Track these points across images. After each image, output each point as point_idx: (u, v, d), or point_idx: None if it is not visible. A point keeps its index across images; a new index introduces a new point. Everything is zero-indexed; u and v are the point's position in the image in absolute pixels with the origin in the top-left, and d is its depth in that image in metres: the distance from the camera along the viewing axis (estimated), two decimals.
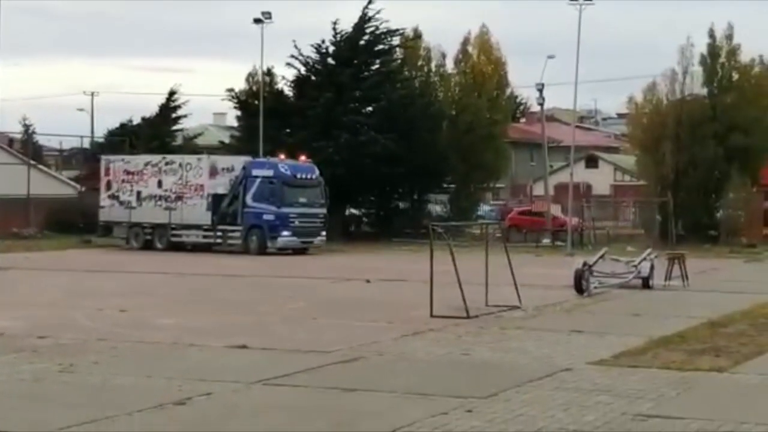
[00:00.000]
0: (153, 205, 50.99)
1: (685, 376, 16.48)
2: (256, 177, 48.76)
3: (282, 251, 47.78)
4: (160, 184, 51.00)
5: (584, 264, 30.14)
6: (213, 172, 49.82)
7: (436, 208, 67.93)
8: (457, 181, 65.92)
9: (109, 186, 53.25)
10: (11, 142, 76.55)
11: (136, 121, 72.08)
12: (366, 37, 63.85)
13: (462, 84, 66.25)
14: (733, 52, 60.01)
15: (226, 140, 68.54)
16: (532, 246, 53.96)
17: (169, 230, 50.36)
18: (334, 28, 63.33)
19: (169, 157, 52.86)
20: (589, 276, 29.77)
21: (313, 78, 63.76)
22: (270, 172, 48.65)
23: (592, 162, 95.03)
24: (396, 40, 65.29)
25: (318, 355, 18.33)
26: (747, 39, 73.48)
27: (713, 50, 59.71)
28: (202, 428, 13.02)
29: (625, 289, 30.32)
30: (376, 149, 57.59)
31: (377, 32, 63.85)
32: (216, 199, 49.23)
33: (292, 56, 63.65)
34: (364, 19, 63.39)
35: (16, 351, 18.88)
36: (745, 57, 60.36)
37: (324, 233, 49.72)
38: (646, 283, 31.12)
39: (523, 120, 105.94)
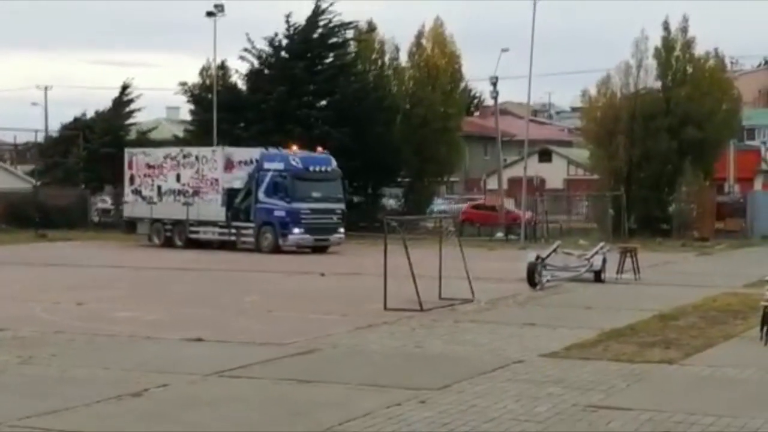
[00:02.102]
0: (172, 200, 48.74)
1: (636, 368, 16.72)
2: (268, 170, 45.85)
3: (300, 249, 45.19)
4: (178, 178, 48.80)
5: (537, 257, 30.33)
6: (228, 166, 47.42)
7: (390, 202, 68.10)
8: (411, 175, 66.09)
9: (132, 180, 51.24)
10: None
11: (90, 114, 71.99)
12: (319, 30, 63.97)
13: (416, 77, 66.28)
14: (687, 45, 60.11)
15: (180, 134, 68.47)
16: (486, 240, 54.22)
17: (187, 227, 48.01)
18: (288, 21, 63.57)
19: (187, 150, 50.59)
20: (542, 269, 29.97)
21: (266, 71, 63.87)
22: (281, 165, 45.57)
23: (545, 156, 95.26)
24: (350, 33, 65.48)
25: (273, 347, 18.51)
26: (702, 32, 73.80)
27: (668, 43, 59.79)
28: (159, 419, 13.15)
29: (577, 283, 30.52)
30: (330, 143, 57.64)
31: (330, 25, 63.99)
32: (231, 194, 46.91)
33: (246, 50, 63.90)
34: (317, 12, 63.53)
35: None
36: (699, 50, 60.61)
37: (342, 230, 46.56)
38: (598, 277, 31.33)
39: (477, 114, 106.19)
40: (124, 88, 71.71)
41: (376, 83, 64.95)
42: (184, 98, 67.32)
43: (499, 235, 57.54)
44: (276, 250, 44.48)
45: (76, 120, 72.19)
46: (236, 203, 46.65)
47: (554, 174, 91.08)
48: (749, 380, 15.97)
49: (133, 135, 70.31)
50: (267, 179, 45.59)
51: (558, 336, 20.06)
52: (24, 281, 32.16)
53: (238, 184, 46.98)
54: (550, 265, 30.76)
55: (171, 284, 31.58)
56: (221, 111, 60.18)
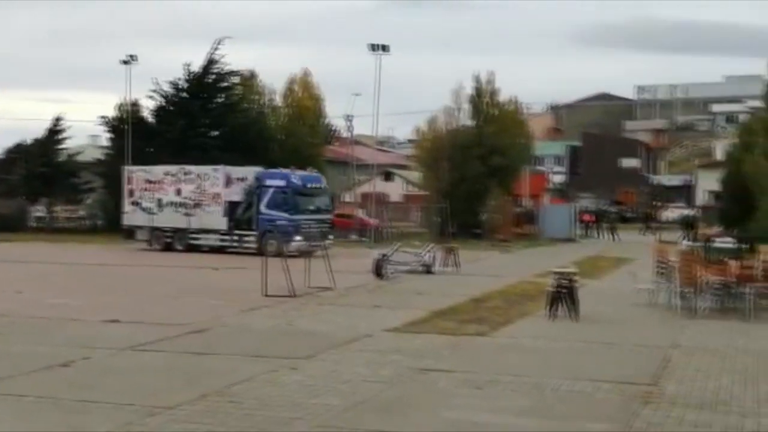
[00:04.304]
0: (173, 211, 45.60)
1: (456, 339, 16.91)
2: (269, 186, 42.66)
3: (291, 254, 42.51)
4: (179, 192, 45.77)
5: (382, 255, 30.44)
6: (228, 182, 44.77)
7: None
8: None
9: (131, 194, 47.69)
10: None
11: (29, 141, 69.80)
12: (212, 76, 63.16)
13: (288, 114, 65.87)
14: (493, 93, 60.81)
15: (101, 157, 66.92)
16: (343, 241, 54.14)
17: (188, 234, 44.94)
18: (187, 69, 62.74)
19: (187, 168, 46.97)
20: (386, 264, 30.08)
21: (170, 108, 62.82)
22: (282, 183, 42.51)
23: (388, 176, 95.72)
24: (236, 79, 64.75)
25: (175, 327, 18.19)
26: (504, 83, 75.15)
27: (479, 92, 60.48)
28: (84, 384, 12.86)
29: (412, 274, 30.66)
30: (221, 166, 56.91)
31: (221, 72, 63.24)
32: (231, 206, 44.13)
33: (153, 90, 62.74)
34: (210, 62, 62.85)
35: None
36: (502, 97, 61.36)
37: (331, 237, 43.69)
38: (428, 270, 31.51)
39: (336, 143, 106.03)
40: (56, 120, 69.69)
41: (257, 119, 64.31)
42: (103, 128, 66.01)
43: (353, 237, 57.50)
44: (279, 254, 41.87)
45: (17, 145, 69.83)
46: (238, 214, 43.98)
47: (395, 190, 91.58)
48: (540, 348, 16.26)
49: (63, 158, 68.45)
50: (269, 194, 42.82)
51: (398, 315, 20.13)
52: None
53: (235, 198, 44.32)
54: (392, 261, 30.85)
55: (101, 278, 30.46)
56: (134, 139, 59.10)
